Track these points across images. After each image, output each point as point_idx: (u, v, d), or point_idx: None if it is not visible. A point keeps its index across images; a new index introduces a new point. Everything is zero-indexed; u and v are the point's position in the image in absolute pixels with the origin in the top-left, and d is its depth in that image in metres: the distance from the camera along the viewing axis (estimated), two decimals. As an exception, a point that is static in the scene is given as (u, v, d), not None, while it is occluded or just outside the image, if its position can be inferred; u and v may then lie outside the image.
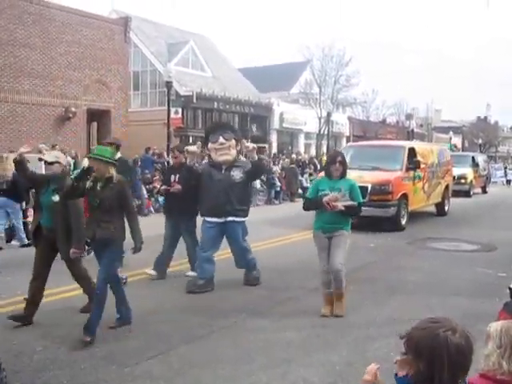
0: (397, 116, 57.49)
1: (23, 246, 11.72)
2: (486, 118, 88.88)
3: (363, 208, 11.09)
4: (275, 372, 5.06)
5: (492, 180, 39.57)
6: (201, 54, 36.37)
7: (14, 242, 12.23)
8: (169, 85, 22.79)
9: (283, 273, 9.35)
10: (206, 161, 9.75)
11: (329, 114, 36.86)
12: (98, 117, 25.62)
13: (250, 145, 8.41)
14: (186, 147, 9.01)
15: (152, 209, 19.16)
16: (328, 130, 38.12)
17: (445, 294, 7.98)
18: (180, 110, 25.20)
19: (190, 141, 31.21)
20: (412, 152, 16.02)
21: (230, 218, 8.14)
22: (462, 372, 2.16)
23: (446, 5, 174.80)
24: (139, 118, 30.00)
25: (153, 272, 8.77)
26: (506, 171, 43.80)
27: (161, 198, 16.37)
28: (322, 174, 15.45)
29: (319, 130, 40.31)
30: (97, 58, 24.59)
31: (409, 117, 52.18)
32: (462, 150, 70.93)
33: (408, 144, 17.44)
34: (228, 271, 8.99)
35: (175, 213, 8.84)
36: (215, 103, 33.66)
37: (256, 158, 8.30)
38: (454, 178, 25.91)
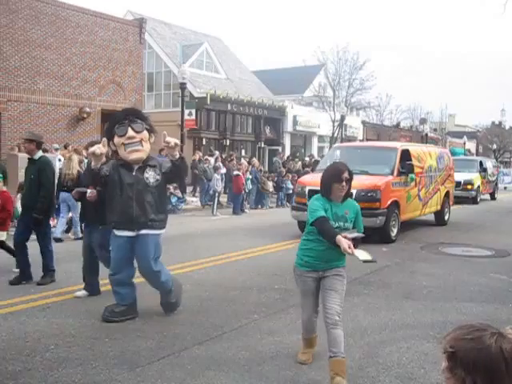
0: (411, 120, 57.31)
1: (77, 239, 12.44)
2: (500, 123, 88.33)
3: None
4: (286, 374, 5.04)
5: (501, 185, 38.64)
6: (215, 55, 36.47)
7: (69, 235, 13.35)
8: (183, 86, 22.85)
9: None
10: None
11: (342, 118, 36.77)
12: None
13: (172, 140, 6.45)
14: (91, 149, 6.60)
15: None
16: (341, 134, 38.04)
17: (458, 299, 7.91)
18: (194, 111, 25.18)
19: (204, 143, 31.28)
20: (406, 154, 14.61)
21: (143, 231, 6.57)
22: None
23: (459, 7, 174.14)
24: (153, 119, 29.57)
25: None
26: None
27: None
28: (307, 179, 14.31)
29: (332, 134, 40.25)
30: (111, 58, 24.74)
31: (423, 121, 52.00)
32: (476, 155, 70.57)
33: (401, 145, 15.64)
34: (240, 272, 8.99)
35: (89, 220, 7.88)
36: (229, 105, 33.73)
37: (177, 156, 6.60)
38: (459, 183, 24.84)
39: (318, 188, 10.28)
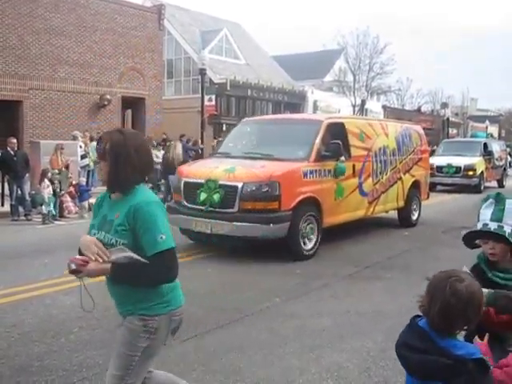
0: (432, 104, 56.79)
1: None
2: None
3: (233, 223, 8.82)
4: (309, 357, 5.05)
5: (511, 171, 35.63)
6: (234, 41, 36.35)
7: None
8: (202, 72, 22.82)
9: (320, 260, 9.31)
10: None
11: (363, 102, 36.56)
12: (133, 104, 25.84)
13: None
14: None
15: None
16: (362, 118, 37.77)
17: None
18: (213, 97, 25.19)
19: (224, 128, 31.30)
20: (336, 131, 10.63)
21: None
22: (455, 318, 2.33)
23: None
24: (173, 105, 30.16)
25: None
26: None
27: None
28: (184, 169, 10.51)
29: (353, 119, 39.91)
30: (131, 45, 24.78)
31: (444, 105, 51.41)
32: (499, 139, 69.76)
33: (329, 118, 11.47)
34: (260, 257, 9.01)
35: None
36: (249, 91, 33.65)
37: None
38: (459, 169, 22.81)
39: (197, 180, 9.12)
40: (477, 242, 3.33)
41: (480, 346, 2.61)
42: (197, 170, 9.89)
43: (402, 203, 12.91)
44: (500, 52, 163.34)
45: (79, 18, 22.60)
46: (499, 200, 3.20)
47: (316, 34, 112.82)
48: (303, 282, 7.84)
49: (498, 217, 3.16)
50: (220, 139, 16.59)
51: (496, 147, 26.78)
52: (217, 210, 9.02)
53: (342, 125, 10.98)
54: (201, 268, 8.48)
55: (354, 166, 10.81)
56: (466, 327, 2.41)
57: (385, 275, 8.28)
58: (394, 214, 13.37)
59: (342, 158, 10.23)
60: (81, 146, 18.20)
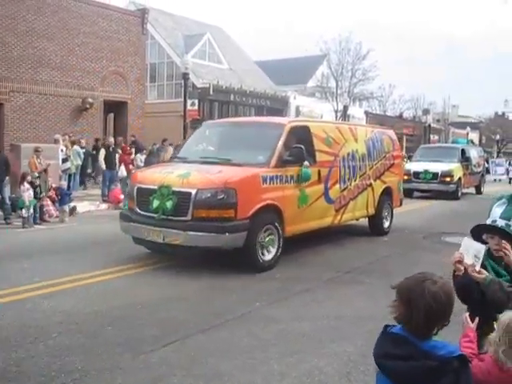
0: (414, 111, 57.20)
1: None
2: (503, 113, 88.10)
3: (185, 232, 8.18)
4: (289, 361, 5.06)
5: (493, 177, 36.42)
6: (218, 46, 36.37)
7: None
8: (185, 77, 22.78)
9: (301, 264, 9.34)
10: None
11: (345, 108, 36.72)
12: (115, 108, 25.74)
13: None
14: None
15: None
16: (344, 124, 37.94)
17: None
18: (196, 101, 25.23)
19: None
20: (300, 134, 10.12)
21: None
22: (437, 320, 2.38)
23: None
24: (156, 109, 30.08)
25: None
26: (508, 168, 37.99)
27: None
28: (139, 175, 9.83)
29: (335, 124, 40.08)
30: (114, 49, 24.69)
31: (426, 112, 51.80)
32: (480, 146, 70.39)
33: (292, 121, 10.96)
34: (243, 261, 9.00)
35: None
36: (232, 95, 33.67)
37: None
38: (436, 175, 22.51)
39: (150, 186, 8.71)
40: (484, 237, 3.51)
41: (468, 331, 2.70)
42: (150, 176, 9.31)
43: (372, 210, 12.41)
44: (481, 59, 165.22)
45: (62, 21, 22.47)
46: None
47: (299, 39, 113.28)
48: (284, 286, 7.85)
49: (508, 215, 3.44)
50: (180, 143, 16.01)
51: (474, 153, 26.51)
52: (169, 218, 8.45)
53: (306, 128, 10.46)
54: (179, 274, 8.44)
55: (319, 172, 10.27)
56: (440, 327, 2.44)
57: (365, 280, 8.32)
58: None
59: (306, 164, 9.65)
60: (62, 150, 18.07)
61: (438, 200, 21.75)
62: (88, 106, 23.32)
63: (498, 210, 3.54)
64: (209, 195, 8.34)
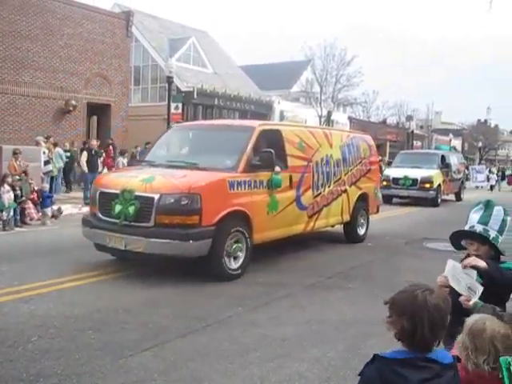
0: (397, 117, 57.61)
1: None
2: (486, 121, 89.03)
3: (147, 239, 7.85)
4: (269, 366, 5.05)
5: (473, 184, 36.31)
6: (202, 50, 36.35)
7: None
8: (170, 80, 22.76)
9: (283, 269, 9.34)
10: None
11: (329, 113, 36.87)
12: (99, 111, 25.61)
13: None
14: None
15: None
16: (328, 130, 38.06)
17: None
18: (180, 105, 25.10)
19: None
20: (271, 138, 9.82)
21: None
22: (441, 330, 2.34)
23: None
24: (139, 112, 29.98)
25: None
26: (488, 175, 37.83)
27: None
28: (103, 179, 9.44)
29: (319, 129, 40.21)
30: (98, 51, 24.59)
31: (409, 118, 52.19)
32: (462, 153, 71.02)
33: (262, 124, 10.48)
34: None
35: None
36: (216, 99, 33.65)
37: None
38: (415, 182, 22.25)
39: (113, 190, 8.37)
40: (463, 243, 3.66)
41: None
42: (114, 180, 8.95)
43: (347, 217, 12.09)
44: (464, 66, 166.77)
45: (45, 22, 22.34)
46: (488, 206, 3.54)
47: (284, 44, 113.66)
48: (266, 291, 7.84)
49: (484, 221, 3.49)
50: (148, 145, 15.57)
51: (454, 160, 26.26)
52: (132, 223, 8.11)
53: (278, 132, 10.12)
54: (162, 278, 8.40)
55: (291, 177, 9.94)
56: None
57: (347, 285, 8.34)
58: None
59: (277, 169, 9.35)
60: (44, 152, 17.93)
61: (418, 207, 21.62)
62: (71, 108, 23.19)
63: (475, 216, 3.58)
64: (172, 200, 7.98)
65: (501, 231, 3.49)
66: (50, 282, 7.84)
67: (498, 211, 3.51)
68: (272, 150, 9.14)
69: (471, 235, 3.51)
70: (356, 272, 9.34)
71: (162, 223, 7.98)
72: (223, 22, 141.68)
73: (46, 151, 18.26)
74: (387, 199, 22.28)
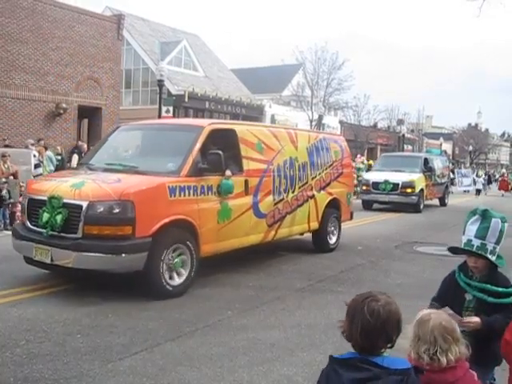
0: (388, 121, 57.75)
1: None
2: (476, 125, 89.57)
3: (74, 253, 7.00)
4: (258, 370, 5.05)
5: (459, 189, 35.07)
6: (193, 53, 36.38)
7: None
8: (161, 83, 22.73)
9: (273, 273, 9.34)
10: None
11: (320, 117, 36.96)
12: (89, 114, 25.53)
13: None
14: None
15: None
16: (319, 133, 38.16)
17: (431, 297, 7.98)
18: (171, 108, 25.09)
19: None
20: (224, 139, 8.90)
21: None
22: (377, 336, 2.39)
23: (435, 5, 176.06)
24: (130, 115, 29.80)
25: None
26: (474, 179, 36.06)
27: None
28: (35, 184, 8.38)
29: (310, 133, 40.30)
30: (89, 54, 24.52)
31: (400, 122, 52.35)
32: (453, 157, 71.43)
33: (212, 123, 9.24)
34: (215, 269, 8.98)
35: None
36: (207, 103, 33.68)
37: None
38: (396, 186, 21.00)
39: (41, 197, 7.49)
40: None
41: None
42: (43, 185, 8.00)
43: (315, 225, 11.16)
44: (456, 72, 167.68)
45: (36, 25, 22.26)
46: (485, 217, 3.52)
47: (275, 48, 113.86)
48: (255, 294, 7.84)
49: (482, 234, 3.48)
50: (92, 147, 14.21)
51: (438, 163, 25.15)
52: (60, 234, 7.26)
53: (232, 132, 9.16)
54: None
55: (246, 182, 9.00)
56: (389, 345, 2.45)
57: (337, 289, 8.35)
58: (347, 231, 13.52)
59: (228, 173, 8.41)
60: (35, 155, 17.86)
61: (401, 213, 20.63)
62: (62, 111, 23.11)
63: (472, 228, 3.55)
64: (101, 209, 7.06)
65: (498, 241, 3.51)
66: (39, 285, 7.84)
67: (495, 223, 3.50)
68: (220, 152, 8.16)
69: (468, 253, 3.56)
70: (346, 275, 9.36)
71: (91, 234, 7.08)
72: (215, 25, 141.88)
73: (37, 154, 18.18)
74: (367, 205, 21.83)
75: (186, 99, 31.55)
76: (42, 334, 5.81)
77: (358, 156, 32.97)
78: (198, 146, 8.25)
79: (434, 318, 2.69)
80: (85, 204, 7.09)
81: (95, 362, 5.10)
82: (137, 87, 35.34)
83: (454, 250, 3.72)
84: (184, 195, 7.75)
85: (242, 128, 9.61)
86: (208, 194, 8.18)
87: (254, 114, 37.91)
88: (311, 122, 39.94)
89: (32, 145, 18.70)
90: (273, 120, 39.14)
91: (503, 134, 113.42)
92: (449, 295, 3.72)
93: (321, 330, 6.29)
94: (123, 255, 7.01)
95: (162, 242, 7.36)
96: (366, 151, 46.13)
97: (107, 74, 25.55)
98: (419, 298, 7.86)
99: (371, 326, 2.37)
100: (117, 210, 7.02)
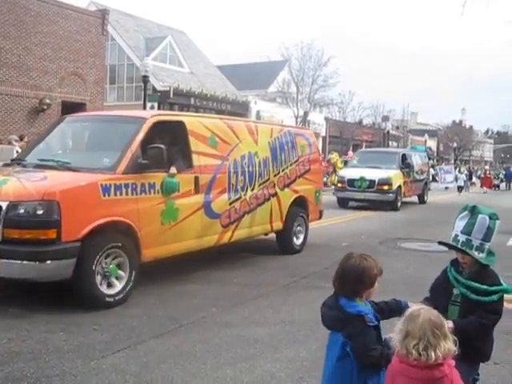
0: (373, 118, 58.00)
1: None
2: (461, 121, 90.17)
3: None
4: (242, 366, 5.04)
5: (442, 185, 34.89)
6: (179, 49, 36.26)
7: None
8: (145, 79, 22.66)
9: (258, 270, 9.34)
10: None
11: (306, 114, 36.99)
12: (73, 109, 25.21)
13: None
14: None
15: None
16: (304, 130, 38.24)
17: (417, 292, 7.92)
18: (156, 105, 25.01)
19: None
20: (170, 132, 8.26)
21: None
22: (351, 283, 3.24)
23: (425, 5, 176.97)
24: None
25: None
26: (456, 176, 35.58)
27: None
28: None
29: (296, 129, 40.38)
30: (73, 49, 24.33)
31: (385, 119, 52.60)
32: (437, 154, 71.88)
33: (156, 114, 8.49)
34: (200, 265, 8.96)
35: None
36: (192, 99, 33.59)
37: None
38: (373, 183, 20.39)
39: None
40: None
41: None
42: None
43: (278, 225, 10.44)
44: (441, 69, 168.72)
45: (19, 19, 22.02)
46: (474, 213, 3.52)
47: (261, 44, 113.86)
48: (240, 291, 7.83)
49: (468, 230, 3.49)
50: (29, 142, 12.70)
51: (417, 159, 24.52)
52: None
53: (180, 124, 8.34)
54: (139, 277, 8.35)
55: (196, 180, 8.25)
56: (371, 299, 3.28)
57: (321, 285, 8.31)
58: (332, 228, 13.55)
59: (173, 170, 7.65)
60: (17, 151, 17.70)
61: (377, 211, 19.99)
62: (45, 106, 22.92)
63: (460, 224, 3.57)
64: (22, 210, 6.30)
65: (486, 238, 3.47)
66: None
67: (482, 219, 3.48)
68: (162, 146, 7.37)
69: (453, 248, 3.61)
70: (330, 272, 9.17)
71: (11, 238, 6.29)
72: (201, 22, 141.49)
73: (20, 150, 18.02)
74: (342, 203, 21.32)
75: (171, 95, 31.45)
76: (25, 333, 5.75)
77: (349, 153, 33.10)
78: (139, 139, 7.45)
79: (424, 313, 2.73)
80: (4, 205, 6.31)
81: (78, 360, 5.06)
82: (121, 83, 35.17)
83: (444, 245, 3.74)
84: (121, 194, 6.99)
85: (192, 120, 8.77)
86: (150, 192, 7.39)
87: (239, 110, 37.86)
88: (296, 118, 39.98)
89: (16, 141, 18.54)
90: (258, 116, 39.13)
91: (487, 131, 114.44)
92: (440, 287, 3.78)
93: (305, 327, 6.29)
94: (48, 262, 6.26)
95: (94, 247, 6.60)
96: (351, 147, 46.25)
97: (91, 69, 25.38)
98: (404, 294, 7.91)
99: (343, 276, 3.30)
100: (40, 212, 6.27)
